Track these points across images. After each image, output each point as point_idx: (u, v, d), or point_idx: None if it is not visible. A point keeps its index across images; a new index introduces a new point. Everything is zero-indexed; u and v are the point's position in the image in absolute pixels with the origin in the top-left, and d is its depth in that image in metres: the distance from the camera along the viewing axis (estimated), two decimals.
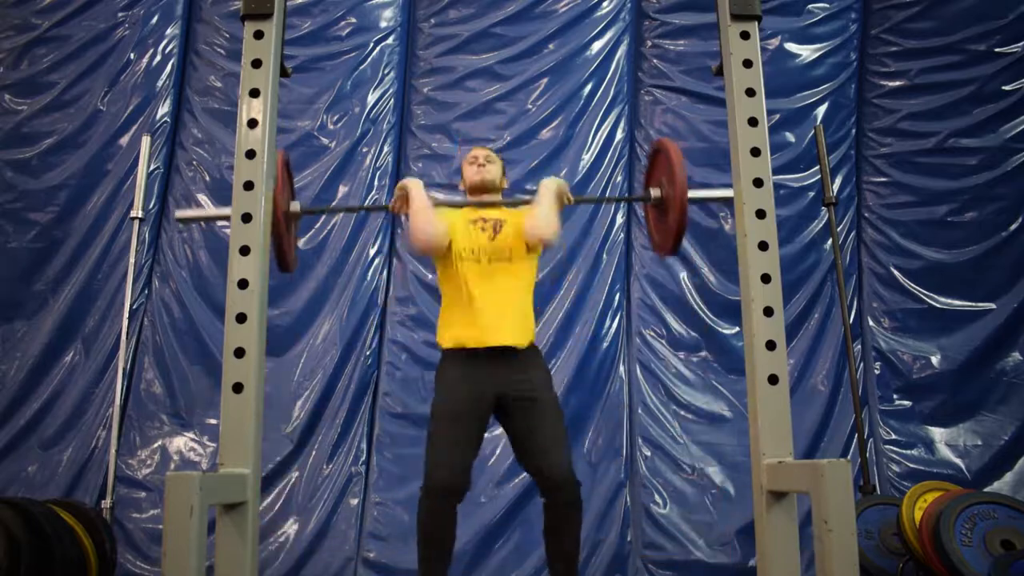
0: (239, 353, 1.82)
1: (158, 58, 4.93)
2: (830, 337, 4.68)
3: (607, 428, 4.47)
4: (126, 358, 4.33)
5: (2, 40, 5.00)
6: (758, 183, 1.89)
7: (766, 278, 1.84)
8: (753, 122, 1.92)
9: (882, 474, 4.45)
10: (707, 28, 4.81)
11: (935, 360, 4.62)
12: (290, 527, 4.24)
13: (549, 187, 2.87)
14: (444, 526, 2.62)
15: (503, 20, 4.98)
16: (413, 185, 2.82)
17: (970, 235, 4.74)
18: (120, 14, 4.95)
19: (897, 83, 4.98)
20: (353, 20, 4.96)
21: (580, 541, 2.72)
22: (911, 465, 4.46)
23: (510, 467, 4.24)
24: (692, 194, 2.35)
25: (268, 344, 1.98)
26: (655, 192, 2.54)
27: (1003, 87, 4.81)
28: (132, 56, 4.91)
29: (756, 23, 1.98)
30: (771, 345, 1.81)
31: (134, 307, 4.48)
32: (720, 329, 4.66)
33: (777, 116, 4.78)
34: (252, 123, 1.93)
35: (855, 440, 4.28)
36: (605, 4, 4.97)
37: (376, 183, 4.81)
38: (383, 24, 4.98)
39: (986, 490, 4.20)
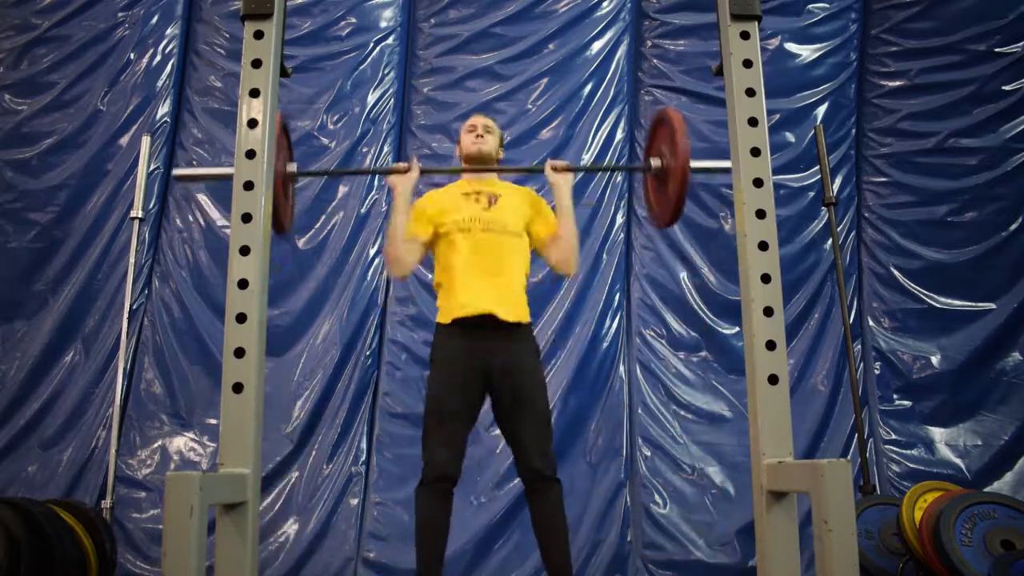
0: (239, 353, 1.81)
1: (158, 58, 4.93)
2: (830, 337, 4.68)
3: (607, 428, 4.47)
4: (126, 358, 4.33)
5: (2, 40, 5.00)
6: (758, 183, 1.89)
7: (766, 278, 1.84)
8: (753, 122, 1.92)
9: (882, 474, 4.45)
10: (707, 28, 4.81)
11: (935, 360, 4.62)
12: (290, 527, 4.24)
13: (566, 193, 2.85)
14: (439, 512, 2.72)
15: (503, 20, 4.98)
16: (399, 191, 2.81)
17: (970, 235, 4.74)
18: (120, 14, 4.95)
19: (897, 83, 4.98)
20: (353, 20, 4.96)
21: (567, 532, 2.78)
22: (911, 465, 4.46)
23: (510, 467, 4.23)
24: (695, 164, 2.33)
25: (268, 344, 1.98)
26: (655, 162, 2.50)
27: (1003, 87, 4.81)
28: (132, 56, 4.91)
29: (756, 23, 1.98)
30: (771, 345, 1.81)
31: (134, 307, 4.48)
32: (720, 329, 4.66)
33: (777, 116, 4.78)
34: (252, 123, 1.93)
35: (855, 440, 4.28)
36: (605, 4, 4.97)
37: (376, 183, 4.81)
38: (383, 24, 4.98)
39: (986, 490, 4.20)
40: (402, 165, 2.87)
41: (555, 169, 2.86)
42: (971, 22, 4.85)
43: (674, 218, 2.46)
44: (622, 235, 4.81)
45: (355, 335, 4.58)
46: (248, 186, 1.90)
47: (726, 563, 4.17)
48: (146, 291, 4.70)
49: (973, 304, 4.68)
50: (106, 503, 4.05)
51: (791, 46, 4.95)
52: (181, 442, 4.44)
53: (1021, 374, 4.54)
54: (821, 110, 4.90)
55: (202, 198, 4.81)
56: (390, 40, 4.97)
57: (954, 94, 4.86)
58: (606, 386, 4.55)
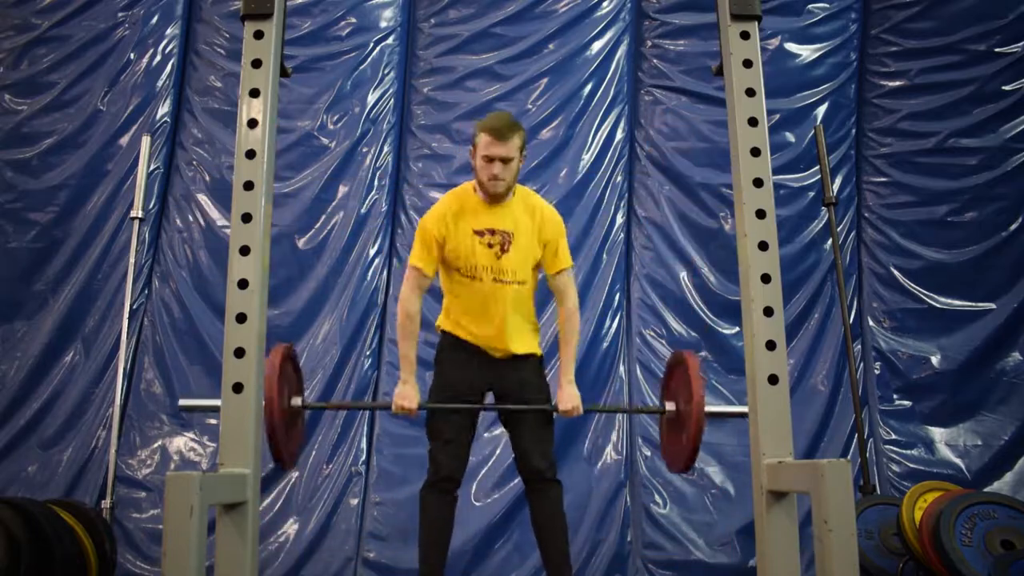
0: (239, 353, 1.81)
1: (158, 58, 4.93)
2: (830, 337, 4.68)
3: (607, 429, 4.47)
4: (126, 358, 4.33)
5: (2, 40, 5.00)
6: (758, 183, 1.89)
7: (766, 278, 1.84)
8: (753, 122, 1.92)
9: (882, 474, 4.45)
10: (707, 28, 4.81)
11: (935, 360, 4.62)
12: (290, 527, 4.24)
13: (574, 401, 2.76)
14: (443, 513, 2.76)
15: (503, 20, 4.98)
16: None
17: (970, 235, 4.74)
18: (120, 14, 4.95)
19: (897, 83, 4.98)
20: (353, 20, 4.96)
21: (567, 531, 2.82)
22: (911, 465, 4.46)
23: (510, 467, 4.23)
24: (709, 408, 2.26)
25: (268, 344, 1.98)
26: (670, 406, 2.48)
27: (1003, 87, 4.81)
28: (132, 56, 4.91)
29: (756, 23, 1.98)
30: (771, 345, 1.81)
31: (134, 307, 4.48)
32: (720, 329, 4.66)
33: (777, 116, 4.78)
34: (252, 123, 1.93)
35: (855, 440, 4.28)
36: (605, 4, 4.97)
37: (376, 183, 4.81)
38: (383, 24, 4.98)
39: (986, 490, 4.20)
40: (404, 404, 2.73)
41: (567, 412, 2.75)
42: (971, 22, 4.85)
43: (688, 464, 2.40)
44: (622, 235, 4.81)
45: (355, 335, 4.58)
46: (248, 186, 1.90)
47: (726, 563, 4.17)
48: (146, 291, 4.70)
49: (973, 304, 4.68)
50: (106, 503, 4.05)
51: (791, 46, 4.95)
52: (181, 442, 4.44)
53: (1021, 374, 4.54)
54: (821, 110, 4.90)
55: (202, 198, 4.81)
56: (390, 40, 4.97)
57: (954, 94, 4.86)
58: (606, 386, 4.55)
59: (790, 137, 4.86)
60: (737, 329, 4.56)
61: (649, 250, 4.82)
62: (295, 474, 4.35)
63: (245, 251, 1.86)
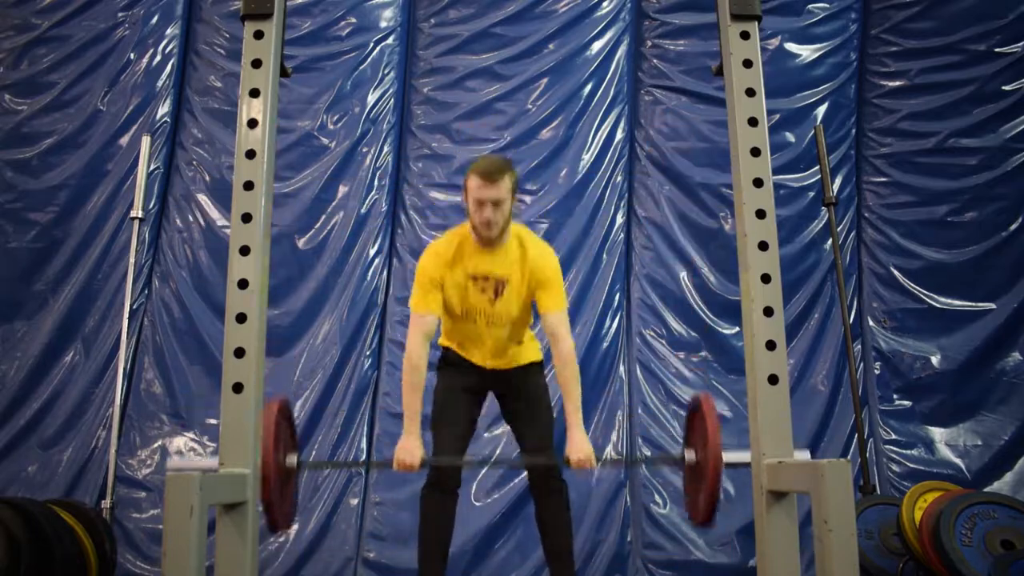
0: (239, 353, 1.82)
1: (158, 58, 4.93)
2: (830, 337, 4.68)
3: (607, 429, 4.47)
4: (126, 358, 4.33)
5: (2, 40, 5.00)
6: (758, 183, 1.89)
7: (766, 278, 1.84)
8: (753, 122, 1.92)
9: (882, 474, 4.45)
10: (707, 28, 4.81)
11: (935, 360, 4.62)
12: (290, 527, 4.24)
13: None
14: (442, 513, 2.75)
15: (503, 20, 4.98)
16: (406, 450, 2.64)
17: (970, 235, 4.74)
18: (120, 14, 4.95)
19: (897, 83, 4.98)
20: (353, 20, 4.96)
21: (571, 527, 2.83)
22: (911, 465, 4.46)
23: (510, 468, 4.25)
24: (727, 458, 2.19)
25: (268, 344, 1.98)
26: (689, 455, 2.42)
27: (1003, 87, 4.81)
28: (132, 56, 4.91)
29: (756, 23, 1.98)
30: (771, 345, 1.81)
31: (134, 307, 4.48)
32: (720, 329, 4.66)
33: (777, 116, 4.78)
34: (252, 123, 1.93)
35: (855, 440, 4.28)
36: (605, 4, 4.97)
37: (376, 183, 4.81)
38: (383, 24, 4.98)
39: (986, 490, 4.20)
40: (407, 460, 2.62)
41: (579, 463, 2.64)
42: (971, 22, 4.85)
43: (709, 516, 2.27)
44: (622, 235, 4.81)
45: (355, 335, 4.58)
46: (248, 186, 1.90)
47: (726, 563, 4.17)
48: (146, 291, 4.70)
49: (973, 304, 4.68)
50: (106, 503, 4.05)
51: (791, 46, 4.95)
52: (181, 442, 4.44)
53: (1021, 374, 4.54)
54: (821, 110, 4.90)
55: (202, 198, 4.81)
56: (390, 40, 4.97)
57: (954, 94, 4.86)
58: (606, 386, 4.55)
59: (790, 137, 4.86)
60: (737, 329, 4.56)
61: (649, 250, 4.82)
62: None
63: (245, 251, 1.86)
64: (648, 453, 4.44)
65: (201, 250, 4.73)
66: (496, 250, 2.75)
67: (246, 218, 1.88)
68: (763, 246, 1.86)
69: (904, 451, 4.51)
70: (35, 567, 2.98)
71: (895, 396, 4.64)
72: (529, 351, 2.94)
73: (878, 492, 4.17)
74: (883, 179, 4.93)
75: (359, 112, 4.84)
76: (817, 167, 4.51)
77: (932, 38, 4.92)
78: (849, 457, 4.37)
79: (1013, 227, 4.71)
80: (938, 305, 4.71)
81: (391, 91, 4.92)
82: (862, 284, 4.84)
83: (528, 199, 4.79)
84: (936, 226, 4.79)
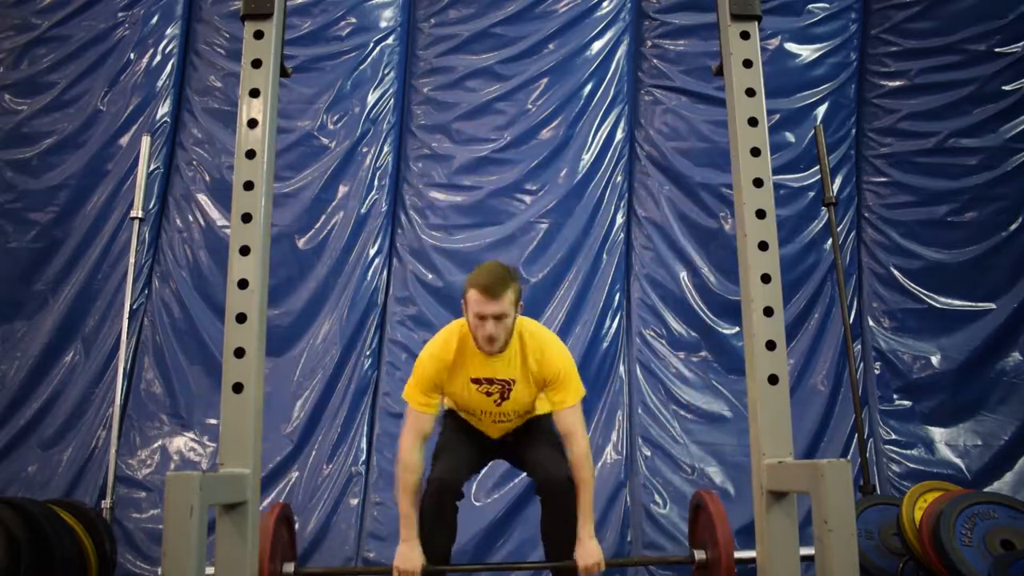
0: (239, 353, 1.82)
1: (158, 58, 4.93)
2: (830, 337, 4.68)
3: (607, 429, 4.47)
4: (126, 358, 4.33)
5: (2, 40, 5.00)
6: (758, 183, 1.89)
7: (766, 278, 1.84)
8: (753, 122, 1.92)
9: (882, 474, 4.45)
10: (707, 28, 4.81)
11: (935, 360, 4.62)
12: None
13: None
14: (432, 518, 2.68)
15: (503, 20, 4.98)
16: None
17: (970, 235, 4.74)
18: (120, 14, 4.95)
19: (897, 83, 4.98)
20: (353, 20, 4.96)
21: (575, 533, 2.76)
22: (911, 465, 4.46)
23: (510, 468, 4.23)
24: (739, 555, 2.17)
25: (268, 344, 1.98)
26: (700, 555, 2.39)
27: (1003, 87, 4.81)
28: (132, 56, 4.91)
29: (756, 23, 1.98)
30: (771, 345, 1.81)
31: (134, 307, 4.47)
32: (720, 329, 4.66)
33: (777, 116, 4.78)
34: (252, 123, 1.93)
35: (855, 440, 4.28)
36: (605, 4, 4.97)
37: (376, 183, 4.81)
38: (383, 24, 4.98)
39: (986, 490, 4.20)
40: (406, 568, 2.57)
41: (587, 568, 2.60)
42: (971, 22, 4.85)
43: None
44: (622, 235, 4.81)
45: (355, 335, 4.58)
46: (248, 186, 1.90)
47: None
48: (146, 291, 4.70)
49: (973, 304, 4.68)
50: (106, 503, 4.04)
51: (791, 46, 4.95)
52: (181, 442, 4.44)
53: (1021, 374, 4.54)
54: (821, 110, 4.90)
55: (202, 198, 4.80)
56: (390, 40, 4.97)
57: (954, 94, 4.86)
58: (606, 386, 4.55)
59: (790, 137, 4.86)
60: (737, 329, 4.56)
61: (649, 250, 4.82)
62: (295, 474, 4.35)
63: (245, 251, 1.86)
64: (648, 453, 4.44)
65: (201, 250, 4.73)
66: (500, 358, 2.65)
67: (246, 218, 1.88)
68: (763, 246, 1.86)
69: (904, 451, 4.51)
70: (35, 567, 2.98)
71: (895, 396, 4.64)
72: (538, 411, 2.89)
73: (878, 492, 4.17)
74: (883, 179, 4.93)
75: (359, 112, 4.84)
76: (817, 167, 4.51)
77: (932, 38, 4.92)
78: (849, 457, 4.37)
79: (1013, 227, 4.71)
80: (938, 305, 4.71)
81: (391, 91, 4.92)
82: (862, 284, 4.84)
83: (528, 199, 4.79)
84: (936, 226, 4.80)
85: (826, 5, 4.98)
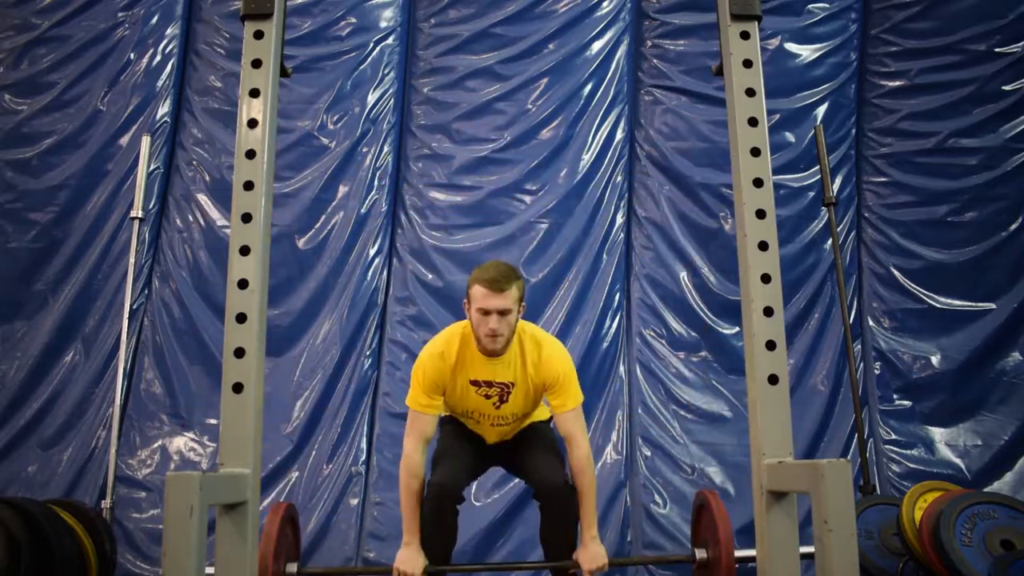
0: (239, 353, 1.82)
1: (158, 58, 4.93)
2: (830, 337, 4.68)
3: (607, 429, 4.47)
4: (126, 358, 4.33)
5: (2, 40, 4.99)
6: (758, 183, 1.89)
7: (766, 278, 1.84)
8: (753, 122, 1.92)
9: (882, 474, 4.45)
10: (707, 28, 4.81)
11: (935, 360, 4.62)
12: None
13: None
14: (431, 521, 2.67)
15: (503, 20, 4.98)
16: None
17: (970, 235, 4.74)
18: (120, 14, 4.95)
19: (897, 83, 4.98)
20: (353, 20, 4.96)
21: (575, 538, 2.78)
22: (911, 465, 4.46)
23: None
24: (739, 553, 2.18)
25: (268, 344, 1.98)
26: (700, 554, 2.40)
27: (1003, 87, 4.81)
28: (132, 56, 4.90)
29: (756, 23, 1.98)
30: (771, 345, 1.81)
31: (134, 307, 4.47)
32: (720, 329, 4.66)
33: (777, 116, 4.78)
34: (252, 123, 1.93)
35: (855, 440, 4.28)
36: (605, 4, 4.97)
37: (376, 183, 4.81)
38: (383, 24, 4.98)
39: (986, 490, 4.20)
40: (407, 570, 2.58)
41: (592, 572, 2.63)
42: (971, 22, 4.85)
43: None
44: (622, 235, 4.81)
45: (355, 335, 4.58)
46: (248, 186, 1.90)
47: None
48: (146, 291, 4.70)
49: (973, 304, 4.68)
50: (106, 503, 4.04)
51: (791, 46, 4.95)
52: (181, 442, 4.44)
53: (1021, 374, 4.54)
54: (821, 110, 4.90)
55: (202, 198, 4.80)
56: (390, 40, 4.97)
57: (954, 94, 4.86)
58: (606, 386, 4.55)
59: (790, 137, 4.86)
60: (737, 329, 4.56)
61: (649, 250, 4.82)
62: (295, 474, 4.35)
63: (245, 251, 1.86)
64: (648, 453, 4.44)
65: (201, 250, 4.73)
66: (500, 360, 2.65)
67: (246, 218, 1.88)
68: (763, 246, 1.86)
69: (904, 451, 4.51)
70: (35, 567, 2.98)
71: (895, 396, 4.64)
72: (536, 417, 2.90)
73: (878, 492, 4.17)
74: (883, 179, 4.93)
75: (359, 112, 4.84)
76: (817, 167, 4.51)
77: (932, 38, 4.92)
78: (849, 457, 4.37)
79: (1013, 227, 4.71)
80: (938, 305, 4.71)
81: (391, 91, 4.92)
82: (862, 284, 4.84)
83: (528, 199, 4.79)
84: (936, 226, 4.80)
85: (826, 5, 4.98)
